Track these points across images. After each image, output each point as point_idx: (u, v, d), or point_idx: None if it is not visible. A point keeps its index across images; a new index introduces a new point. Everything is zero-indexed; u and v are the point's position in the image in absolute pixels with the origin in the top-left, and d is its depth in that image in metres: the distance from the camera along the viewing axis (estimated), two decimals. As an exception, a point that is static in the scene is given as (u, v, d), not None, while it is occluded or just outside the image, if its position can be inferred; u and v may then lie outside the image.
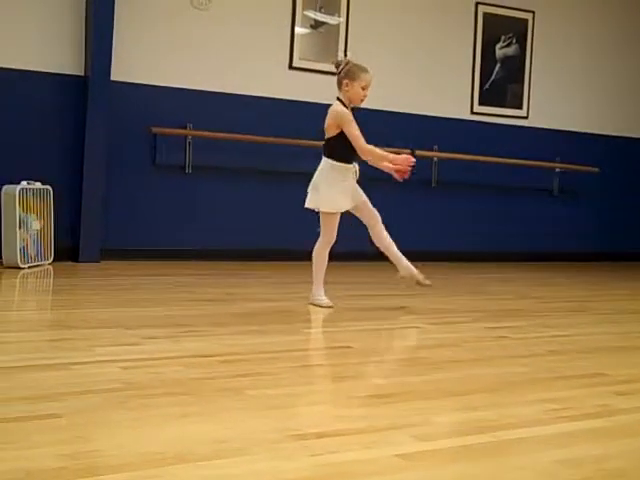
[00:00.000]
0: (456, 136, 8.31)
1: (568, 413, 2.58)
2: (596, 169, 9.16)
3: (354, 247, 7.64)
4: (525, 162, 8.67)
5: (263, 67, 7.34)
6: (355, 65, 4.72)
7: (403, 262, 4.88)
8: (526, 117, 8.86)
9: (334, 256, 7.35)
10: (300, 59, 7.53)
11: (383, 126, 7.84)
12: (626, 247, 9.73)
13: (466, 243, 8.46)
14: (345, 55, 5.02)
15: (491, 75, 8.62)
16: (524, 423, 2.46)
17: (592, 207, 9.47)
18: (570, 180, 9.15)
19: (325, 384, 2.82)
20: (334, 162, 4.64)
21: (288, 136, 7.31)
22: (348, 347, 3.51)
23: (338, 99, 4.73)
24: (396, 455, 2.07)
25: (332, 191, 4.61)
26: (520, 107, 8.85)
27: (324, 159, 4.69)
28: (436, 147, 8.15)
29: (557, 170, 9.00)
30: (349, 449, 2.11)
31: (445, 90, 8.31)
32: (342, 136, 4.61)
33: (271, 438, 2.17)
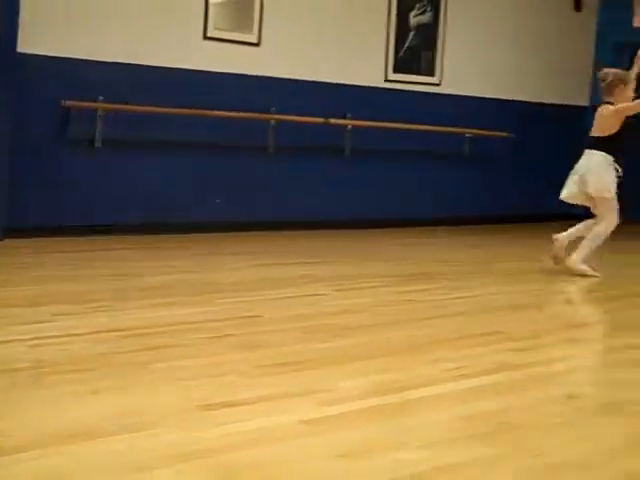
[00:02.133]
0: (370, 104, 8.37)
1: (468, 371, 2.69)
2: (507, 134, 9.36)
3: (256, 216, 7.70)
4: (438, 128, 8.79)
5: (177, 37, 7.24)
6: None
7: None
8: (439, 84, 8.98)
9: (238, 227, 7.37)
10: (215, 29, 7.45)
11: (297, 95, 7.87)
12: (537, 209, 9.99)
13: (381, 210, 8.56)
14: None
15: (405, 43, 8.70)
16: (427, 382, 2.56)
17: (504, 171, 9.68)
18: (482, 145, 9.33)
19: (233, 354, 2.85)
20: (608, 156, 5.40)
21: (203, 107, 7.26)
22: (257, 316, 3.55)
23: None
24: (301, 421, 2.14)
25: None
26: (433, 74, 8.95)
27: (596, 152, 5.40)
28: (350, 115, 8.20)
29: (468, 135, 9.17)
30: (255, 417, 2.16)
31: (359, 58, 8.33)
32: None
33: (180, 410, 2.21)
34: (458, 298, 4.22)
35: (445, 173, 9.11)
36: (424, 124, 8.62)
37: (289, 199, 7.92)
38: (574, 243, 5.35)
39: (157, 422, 2.10)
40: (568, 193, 5.58)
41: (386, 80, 8.58)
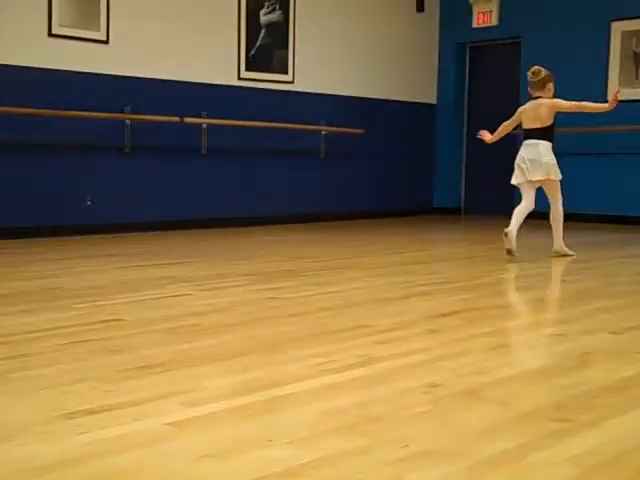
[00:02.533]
0: (224, 102, 8.34)
1: (333, 365, 2.71)
2: (361, 131, 9.52)
3: (114, 218, 7.54)
4: (293, 126, 8.86)
5: (19, 34, 6.96)
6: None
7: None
8: (292, 82, 9.04)
9: (97, 229, 7.22)
10: (60, 25, 7.21)
11: (151, 94, 7.73)
12: (392, 205, 10.23)
13: (239, 208, 8.55)
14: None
15: (256, 41, 8.70)
16: (292, 379, 2.55)
17: (359, 167, 9.86)
18: (337, 142, 9.46)
19: (94, 359, 2.77)
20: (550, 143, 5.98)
21: (53, 107, 7.02)
22: (119, 320, 3.46)
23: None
24: (166, 424, 2.09)
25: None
26: (286, 72, 9.00)
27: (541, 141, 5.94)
28: (205, 114, 8.13)
29: (323, 133, 9.28)
30: (118, 423, 2.10)
31: (211, 56, 8.29)
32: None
33: (38, 420, 2.12)
34: (321, 294, 4.26)
35: (302, 170, 9.20)
36: (279, 122, 8.68)
37: (146, 199, 7.79)
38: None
39: (14, 434, 2.00)
40: (517, 180, 6.11)
41: (239, 78, 8.59)
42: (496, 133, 6.43)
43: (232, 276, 4.88)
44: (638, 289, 4.59)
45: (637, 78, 9.30)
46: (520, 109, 6.20)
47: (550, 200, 6.07)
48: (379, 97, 10.01)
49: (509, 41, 10.38)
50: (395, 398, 2.37)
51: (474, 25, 10.56)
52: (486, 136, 6.49)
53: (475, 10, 10.50)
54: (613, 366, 2.80)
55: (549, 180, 5.97)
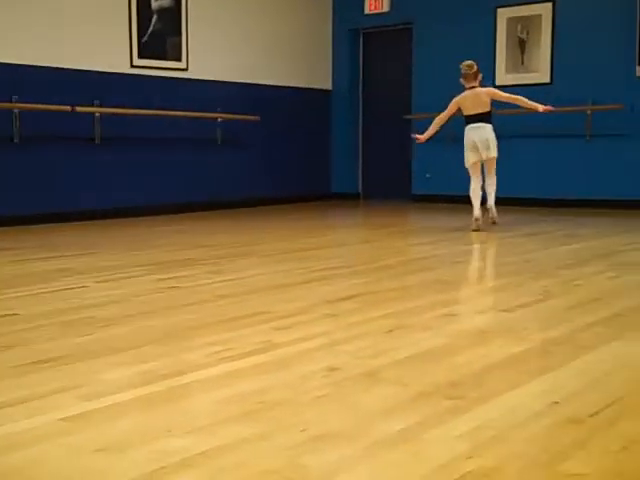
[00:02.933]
0: (118, 90, 8.18)
1: (231, 353, 2.71)
2: (257, 117, 9.50)
3: (9, 210, 7.33)
4: (188, 113, 8.78)
5: None
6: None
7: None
8: (186, 69, 8.94)
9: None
10: None
11: (40, 82, 7.52)
12: (291, 191, 10.26)
13: (136, 197, 8.43)
14: None
15: (148, 28, 8.56)
16: (191, 368, 2.55)
17: (257, 154, 9.84)
18: (234, 130, 9.42)
19: (-15, 356, 2.70)
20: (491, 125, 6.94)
21: None
22: (14, 314, 3.38)
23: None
24: (61, 419, 2.06)
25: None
26: (180, 59, 8.90)
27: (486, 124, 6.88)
28: (97, 102, 7.97)
29: (219, 120, 9.22)
30: (12, 420, 2.06)
31: (103, 43, 8.11)
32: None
33: None
34: (221, 282, 4.25)
35: (199, 158, 9.12)
36: (174, 110, 8.58)
37: (39, 191, 7.59)
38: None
39: None
40: (473, 160, 6.94)
41: (132, 66, 8.44)
42: (431, 129, 7.13)
43: (130, 267, 4.81)
44: (526, 267, 4.74)
45: (522, 63, 9.58)
46: (456, 99, 6.96)
47: (490, 173, 7.05)
48: (275, 84, 10.01)
49: (401, 27, 10.52)
50: (294, 383, 2.39)
51: (366, 11, 10.66)
52: (420, 138, 7.24)
53: (367, -4, 10.61)
54: (504, 343, 2.89)
55: (493, 157, 6.93)
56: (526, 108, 7.09)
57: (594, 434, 1.95)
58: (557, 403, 2.18)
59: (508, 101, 7.03)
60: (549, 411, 2.12)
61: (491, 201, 7.09)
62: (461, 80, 6.99)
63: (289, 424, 2.01)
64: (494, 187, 7.09)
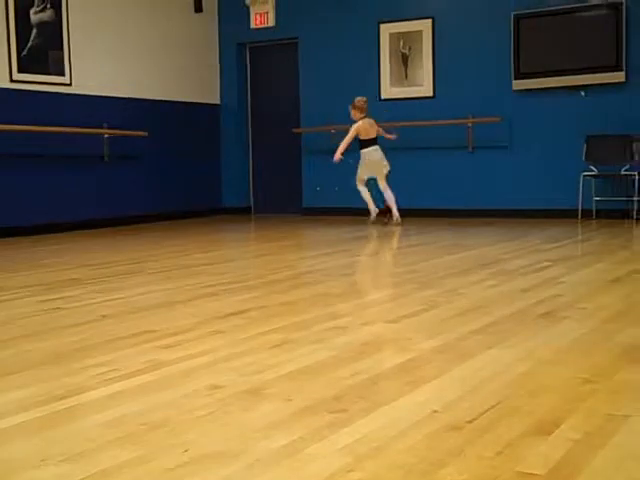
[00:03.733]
0: (-2, 105, 7.95)
1: (116, 374, 2.67)
2: (145, 133, 9.39)
3: None
4: (73, 130, 8.60)
5: None
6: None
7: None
8: (70, 84, 8.76)
9: None
10: None
11: None
12: (182, 206, 10.17)
13: (18, 217, 8.19)
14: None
15: (28, 41, 8.35)
16: (75, 391, 2.49)
17: (146, 170, 9.72)
18: (122, 145, 9.27)
19: None
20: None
21: None
22: None
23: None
24: None
25: None
26: (63, 74, 8.71)
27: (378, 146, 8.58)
28: (-25, 118, 7.71)
29: (106, 136, 9.06)
30: None
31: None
32: None
33: None
34: (106, 301, 4.18)
35: (86, 175, 8.95)
36: (58, 126, 8.38)
37: None
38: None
39: None
40: (368, 175, 8.61)
41: (12, 80, 8.20)
42: (341, 149, 8.49)
43: (11, 289, 4.67)
44: (410, 278, 4.84)
45: (406, 77, 9.78)
46: (356, 126, 8.49)
47: (385, 186, 8.51)
48: (162, 98, 9.91)
49: (286, 41, 10.59)
50: (178, 403, 2.37)
51: (252, 26, 10.70)
52: (336, 157, 8.52)
53: (252, 11, 10.64)
54: (388, 354, 2.94)
55: (389, 170, 8.51)
56: (385, 136, 8.70)
57: (471, 440, 2.00)
58: (436, 412, 2.23)
59: (379, 130, 8.68)
60: (429, 420, 2.17)
61: (396, 215, 8.48)
62: (355, 112, 8.50)
63: (170, 445, 1.99)
64: (391, 199, 8.51)
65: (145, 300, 4.26)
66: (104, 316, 3.76)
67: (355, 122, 8.51)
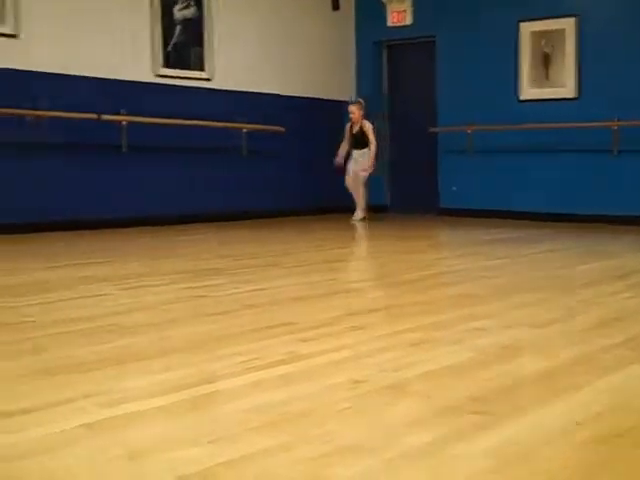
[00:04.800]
0: (143, 99, 8.23)
1: (256, 363, 2.70)
2: (282, 128, 9.51)
3: (28, 218, 7.37)
4: (212, 123, 8.80)
5: None
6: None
7: None
8: (210, 79, 8.97)
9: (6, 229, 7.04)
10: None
11: (66, 90, 7.58)
12: (317, 202, 10.24)
13: (162, 206, 8.46)
14: None
15: (172, 38, 8.60)
16: (216, 378, 2.54)
17: (283, 166, 9.85)
18: (259, 140, 9.43)
19: (3, 362, 2.70)
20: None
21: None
22: (29, 322, 3.38)
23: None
24: (80, 425, 2.04)
25: None
26: (203, 69, 8.93)
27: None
28: (123, 111, 8.01)
29: (244, 131, 9.23)
30: (34, 425, 2.05)
31: (127, 53, 8.17)
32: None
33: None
34: (247, 292, 4.25)
35: (224, 169, 9.15)
36: (199, 119, 8.61)
37: (64, 199, 7.64)
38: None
39: None
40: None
41: (157, 75, 8.48)
42: (342, 153, 9.39)
43: (156, 275, 4.82)
44: (555, 283, 4.70)
45: (547, 78, 9.52)
46: (373, 127, 9.17)
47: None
48: (299, 95, 10.02)
49: (424, 40, 10.50)
50: (319, 395, 2.37)
51: (389, 24, 10.66)
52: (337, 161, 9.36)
53: (389, 9, 10.60)
54: (532, 359, 2.85)
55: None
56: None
57: (620, 454, 1.91)
58: (579, 423, 2.13)
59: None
60: (574, 429, 2.08)
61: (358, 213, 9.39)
62: (362, 112, 9.23)
63: (312, 436, 1.99)
64: (363, 197, 9.52)
65: (284, 292, 4.30)
66: (245, 306, 3.81)
67: (364, 122, 9.23)
